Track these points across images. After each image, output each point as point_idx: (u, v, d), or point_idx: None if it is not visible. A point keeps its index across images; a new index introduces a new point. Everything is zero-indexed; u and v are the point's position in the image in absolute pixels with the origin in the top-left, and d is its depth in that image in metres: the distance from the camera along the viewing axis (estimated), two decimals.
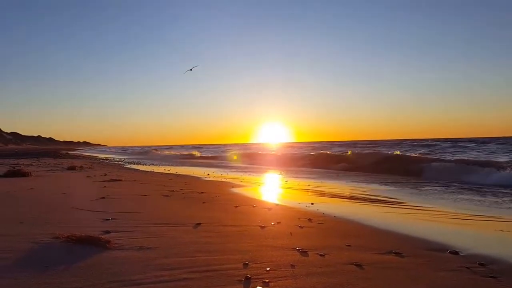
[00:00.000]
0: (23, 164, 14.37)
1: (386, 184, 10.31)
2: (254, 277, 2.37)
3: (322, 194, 7.84)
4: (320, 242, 3.44)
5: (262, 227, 3.96)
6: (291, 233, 3.72)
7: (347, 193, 8.06)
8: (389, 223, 4.96)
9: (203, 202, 5.70)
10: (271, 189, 8.98)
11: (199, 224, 3.91)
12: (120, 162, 22.46)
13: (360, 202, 6.72)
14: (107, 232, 3.32)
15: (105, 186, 7.25)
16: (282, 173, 14.84)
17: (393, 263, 2.88)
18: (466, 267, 2.81)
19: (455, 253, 3.24)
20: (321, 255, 2.95)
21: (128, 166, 18.81)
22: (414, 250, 3.32)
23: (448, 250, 3.32)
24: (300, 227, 4.11)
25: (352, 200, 6.94)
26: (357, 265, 2.74)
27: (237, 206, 5.40)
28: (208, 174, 13.65)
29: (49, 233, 3.16)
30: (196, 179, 11.42)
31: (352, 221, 4.78)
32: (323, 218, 4.79)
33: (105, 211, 4.41)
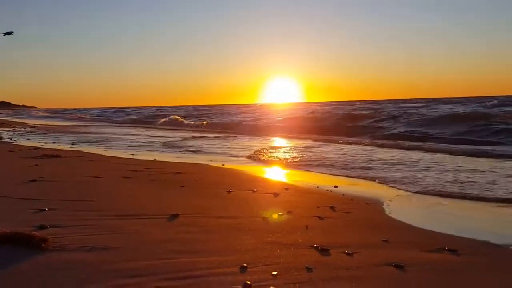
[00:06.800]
0: None
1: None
2: (256, 284, 2.48)
3: (349, 173, 7.96)
4: (347, 237, 3.57)
5: (266, 218, 4.09)
6: (306, 226, 3.85)
7: (383, 172, 8.19)
8: (440, 211, 5.10)
9: (181, 186, 5.83)
10: (278, 167, 9.10)
11: (176, 215, 4.02)
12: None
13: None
14: (42, 227, 3.40)
15: (36, 165, 7.34)
16: (291, 143, 14.99)
17: (446, 264, 3.02)
18: None
19: None
20: (348, 254, 3.09)
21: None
22: (474, 246, 3.47)
23: None
24: (320, 218, 4.24)
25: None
26: (397, 266, 2.87)
27: (230, 191, 5.53)
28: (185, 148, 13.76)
29: None
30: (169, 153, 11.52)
31: (390, 210, 4.91)
32: (351, 206, 4.94)
33: (38, 199, 4.50)
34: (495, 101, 36.18)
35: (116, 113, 60.73)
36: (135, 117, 47.54)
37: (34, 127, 26.18)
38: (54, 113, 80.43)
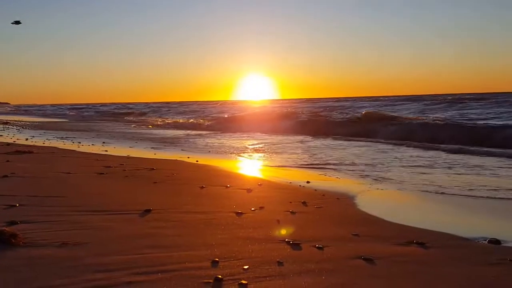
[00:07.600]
0: None
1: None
2: (227, 278, 2.48)
3: (321, 169, 8.05)
4: (318, 231, 3.61)
5: (239, 213, 4.09)
6: (278, 221, 3.88)
7: (353, 167, 8.31)
8: (410, 206, 5.23)
9: (154, 182, 5.77)
10: (252, 164, 9.12)
11: (148, 210, 3.99)
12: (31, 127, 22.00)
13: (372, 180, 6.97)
14: (13, 222, 3.34)
15: (8, 161, 7.17)
16: (267, 141, 15.05)
17: (414, 257, 3.09)
18: (510, 260, 3.04)
19: (496, 242, 3.56)
20: (318, 247, 3.13)
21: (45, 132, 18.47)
22: (442, 239, 3.57)
23: (486, 239, 3.64)
24: (292, 212, 4.28)
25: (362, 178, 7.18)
26: (366, 259, 2.93)
27: (203, 187, 5.51)
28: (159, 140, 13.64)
29: None
30: (143, 150, 11.40)
31: (361, 204, 5.00)
32: (323, 201, 5.00)
33: (9, 195, 4.40)
34: (426, 102, 37.62)
35: (87, 109, 60.10)
36: (101, 112, 47.57)
37: (6, 123, 25.51)
38: (19, 109, 79.03)
